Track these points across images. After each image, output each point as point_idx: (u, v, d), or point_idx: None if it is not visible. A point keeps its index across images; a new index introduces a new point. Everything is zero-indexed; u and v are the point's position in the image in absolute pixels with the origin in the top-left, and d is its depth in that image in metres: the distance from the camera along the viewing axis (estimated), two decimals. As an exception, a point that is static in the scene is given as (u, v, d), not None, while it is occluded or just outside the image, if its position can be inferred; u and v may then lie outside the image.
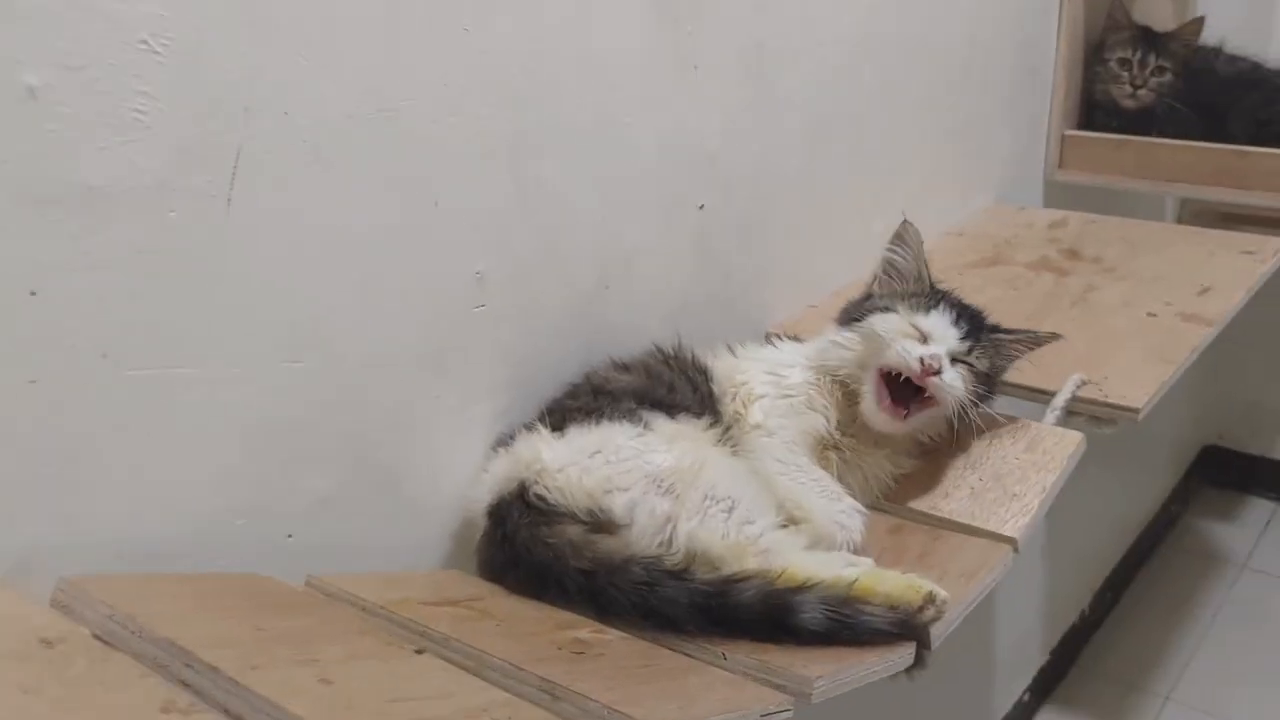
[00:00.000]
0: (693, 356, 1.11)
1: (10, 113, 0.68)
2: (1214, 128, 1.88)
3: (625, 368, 1.07)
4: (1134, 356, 1.25)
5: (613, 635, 0.83)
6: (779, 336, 1.23)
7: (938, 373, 1.01)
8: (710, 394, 1.07)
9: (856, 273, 1.27)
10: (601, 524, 0.89)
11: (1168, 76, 1.91)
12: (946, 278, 1.19)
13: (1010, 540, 1.00)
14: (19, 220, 0.70)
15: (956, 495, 1.06)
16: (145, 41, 0.73)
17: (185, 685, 0.62)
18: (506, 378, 1.04)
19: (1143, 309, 1.38)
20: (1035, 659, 2.25)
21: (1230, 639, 2.37)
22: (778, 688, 0.77)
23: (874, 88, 1.47)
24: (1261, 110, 1.88)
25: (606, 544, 0.88)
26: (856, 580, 0.86)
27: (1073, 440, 1.11)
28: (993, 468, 1.08)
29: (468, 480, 1.00)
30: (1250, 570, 2.60)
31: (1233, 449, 2.93)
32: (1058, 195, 1.96)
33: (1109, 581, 2.51)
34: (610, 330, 1.13)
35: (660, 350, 1.10)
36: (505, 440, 1.00)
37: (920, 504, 1.06)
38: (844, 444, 1.06)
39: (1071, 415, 1.17)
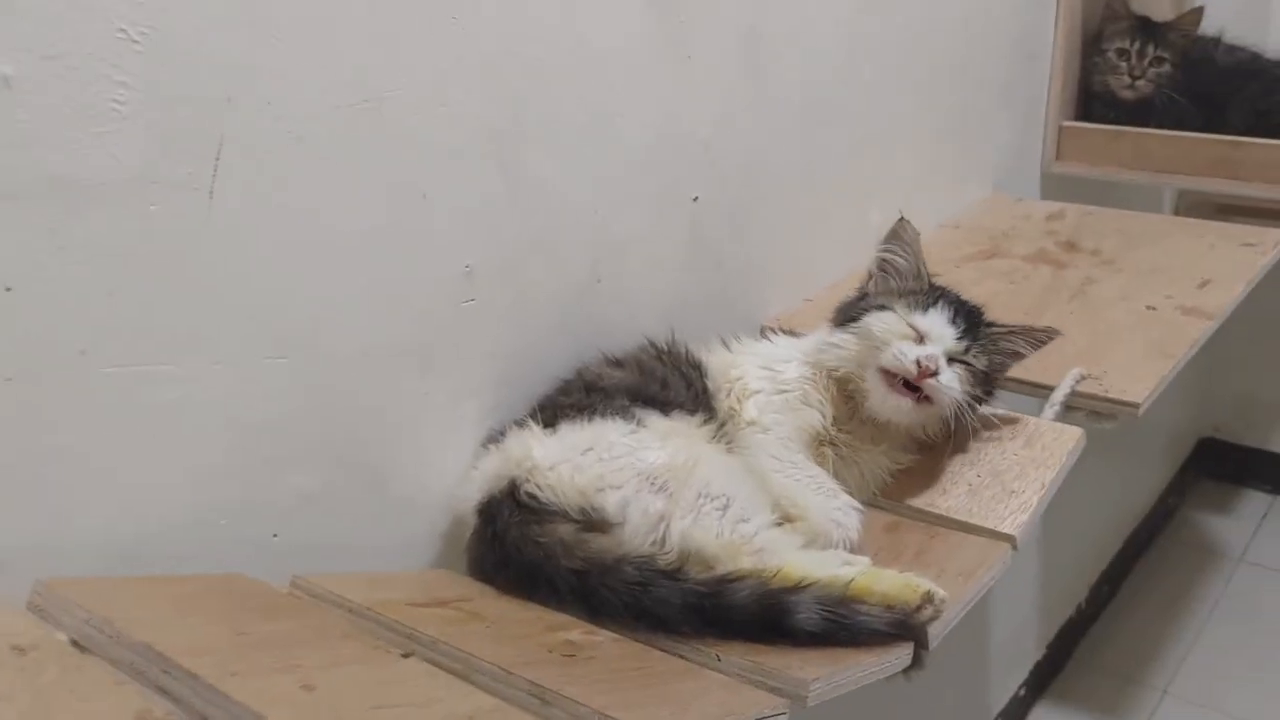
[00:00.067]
0: (686, 351, 1.09)
1: (-18, 103, 0.67)
2: (1213, 118, 1.87)
3: (618, 363, 1.06)
4: (1134, 350, 1.24)
5: (604, 637, 0.82)
6: (774, 331, 1.22)
7: (935, 374, 0.99)
8: (704, 390, 1.06)
9: (852, 265, 1.26)
10: (594, 523, 0.88)
11: (1166, 67, 1.90)
12: (943, 270, 1.18)
13: (1009, 538, 0.99)
14: (-8, 214, 0.68)
15: (954, 492, 1.05)
16: (123, 30, 0.72)
17: (163, 692, 0.61)
18: (496, 373, 1.02)
19: (1142, 302, 1.36)
20: (1031, 653, 2.25)
21: (1227, 632, 2.37)
22: (773, 691, 0.76)
23: (869, 78, 1.46)
24: (1261, 100, 1.88)
25: (599, 543, 0.87)
26: (853, 580, 0.85)
27: (1072, 436, 1.10)
28: (991, 464, 1.07)
29: (457, 478, 0.99)
30: (1247, 563, 2.60)
31: (1229, 441, 2.93)
32: (1055, 187, 1.95)
33: (1105, 575, 2.50)
34: (602, 325, 1.12)
35: (653, 345, 1.09)
36: (496, 437, 0.99)
37: (918, 501, 1.05)
38: (840, 440, 1.05)
39: (1071, 410, 1.16)
